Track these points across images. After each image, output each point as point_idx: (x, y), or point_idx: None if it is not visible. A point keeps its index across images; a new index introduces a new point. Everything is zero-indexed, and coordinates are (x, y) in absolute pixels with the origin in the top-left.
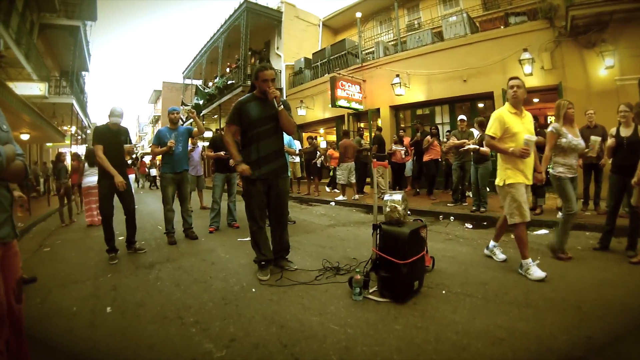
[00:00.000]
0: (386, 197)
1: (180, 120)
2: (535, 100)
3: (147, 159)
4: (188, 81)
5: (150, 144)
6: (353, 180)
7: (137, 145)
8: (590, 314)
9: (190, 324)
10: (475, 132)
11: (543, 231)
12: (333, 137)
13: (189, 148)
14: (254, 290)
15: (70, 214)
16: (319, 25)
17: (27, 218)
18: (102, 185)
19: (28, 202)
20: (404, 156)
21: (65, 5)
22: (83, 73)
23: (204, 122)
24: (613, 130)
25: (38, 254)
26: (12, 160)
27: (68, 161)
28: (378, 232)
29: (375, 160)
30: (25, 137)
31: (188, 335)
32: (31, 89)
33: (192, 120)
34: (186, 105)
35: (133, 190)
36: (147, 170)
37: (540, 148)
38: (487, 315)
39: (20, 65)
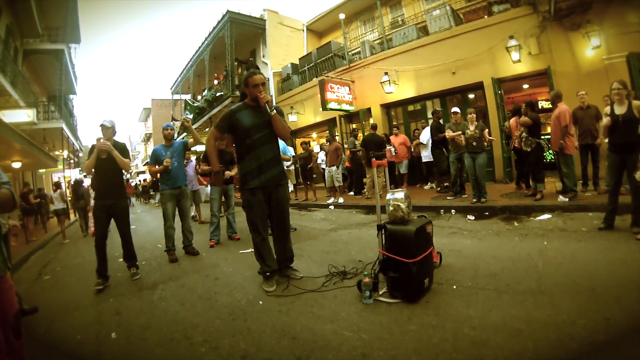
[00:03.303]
0: (388, 196)
1: (175, 135)
2: (525, 86)
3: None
4: (177, 96)
5: (145, 163)
6: (337, 184)
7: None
8: (605, 295)
9: (199, 343)
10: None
11: (546, 216)
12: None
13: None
14: (261, 302)
15: (86, 226)
16: (303, 30)
17: (24, 247)
18: (96, 207)
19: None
20: (393, 154)
21: (49, 29)
22: (71, 96)
23: None
24: (607, 109)
25: (38, 282)
26: None
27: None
28: (383, 232)
29: (374, 159)
30: (17, 165)
31: (198, 355)
32: (20, 116)
33: (187, 131)
34: (176, 120)
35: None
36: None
37: (531, 131)
38: (502, 307)
39: (7, 93)
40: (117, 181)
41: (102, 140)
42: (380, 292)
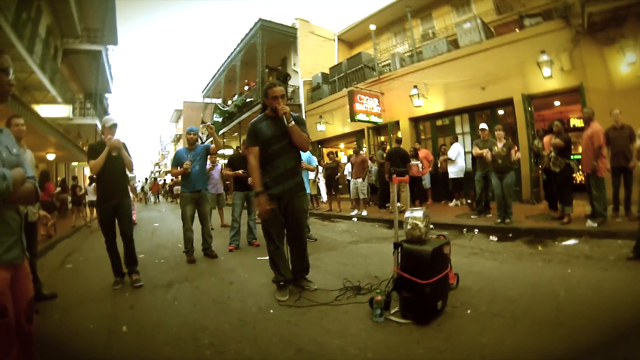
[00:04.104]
0: (407, 214)
1: (199, 140)
2: (557, 103)
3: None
4: (208, 100)
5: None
6: (362, 196)
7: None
8: (630, 333)
9: (205, 346)
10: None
11: (572, 241)
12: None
13: (209, 166)
14: (272, 311)
15: None
16: (334, 40)
17: (48, 240)
18: (101, 208)
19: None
20: (420, 170)
21: (88, 31)
22: (106, 95)
23: (224, 140)
24: None
25: (61, 270)
26: (20, 184)
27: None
28: (399, 250)
29: (394, 175)
30: (51, 156)
31: (202, 358)
32: (56, 111)
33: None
34: (205, 123)
35: (134, 213)
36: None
37: (561, 152)
38: (517, 337)
39: (46, 89)
40: (122, 180)
41: (114, 138)
42: (392, 311)
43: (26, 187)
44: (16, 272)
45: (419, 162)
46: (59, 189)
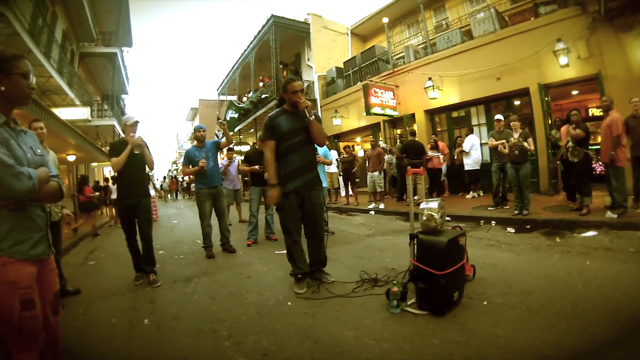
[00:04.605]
0: (422, 205)
1: (215, 136)
2: (574, 92)
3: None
4: (223, 97)
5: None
6: (379, 189)
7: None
8: None
9: (223, 337)
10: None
11: (591, 233)
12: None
13: (226, 163)
14: (289, 304)
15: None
16: (348, 34)
17: (72, 237)
18: (120, 206)
19: (76, 221)
20: (441, 161)
21: (103, 34)
22: (123, 96)
23: (240, 137)
24: None
25: (83, 267)
26: (45, 183)
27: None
28: (415, 242)
29: (409, 167)
30: (71, 158)
31: (221, 349)
32: (75, 113)
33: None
34: (220, 120)
35: (154, 210)
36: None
37: (579, 141)
38: (532, 329)
39: (64, 92)
40: (142, 178)
41: (137, 136)
42: (409, 303)
43: (51, 185)
44: (42, 267)
45: (439, 153)
46: (97, 193)
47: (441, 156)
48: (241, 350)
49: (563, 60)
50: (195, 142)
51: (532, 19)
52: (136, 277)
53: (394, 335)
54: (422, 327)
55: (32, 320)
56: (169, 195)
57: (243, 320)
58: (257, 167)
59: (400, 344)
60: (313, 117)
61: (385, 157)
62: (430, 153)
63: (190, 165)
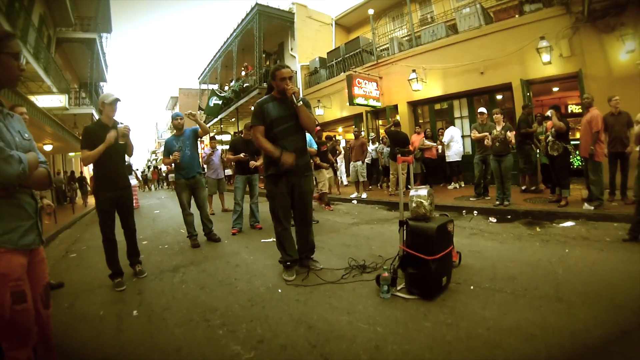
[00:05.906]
0: (412, 192)
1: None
2: (555, 89)
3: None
4: (204, 86)
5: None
6: (362, 179)
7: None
8: (625, 307)
9: (216, 326)
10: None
11: (569, 223)
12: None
13: (209, 152)
14: (280, 291)
15: None
16: (332, 25)
17: (52, 226)
18: (100, 199)
19: (54, 210)
20: (440, 151)
21: (81, 19)
22: (101, 83)
23: (221, 126)
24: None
25: (65, 260)
26: (35, 168)
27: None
28: (405, 228)
29: (399, 155)
30: (48, 147)
31: (215, 337)
32: (52, 101)
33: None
34: (202, 110)
35: (135, 198)
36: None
37: (559, 135)
38: (518, 311)
39: (40, 79)
40: (123, 168)
41: (124, 124)
42: (398, 288)
43: (40, 171)
44: (32, 257)
45: (435, 143)
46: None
47: (440, 147)
48: (236, 338)
49: (546, 57)
50: (175, 131)
51: (517, 16)
52: (116, 283)
53: (386, 319)
54: (413, 311)
55: (23, 314)
56: (152, 186)
57: (235, 309)
58: (242, 155)
59: (394, 327)
60: (301, 102)
61: (376, 147)
62: (427, 142)
63: (170, 156)
